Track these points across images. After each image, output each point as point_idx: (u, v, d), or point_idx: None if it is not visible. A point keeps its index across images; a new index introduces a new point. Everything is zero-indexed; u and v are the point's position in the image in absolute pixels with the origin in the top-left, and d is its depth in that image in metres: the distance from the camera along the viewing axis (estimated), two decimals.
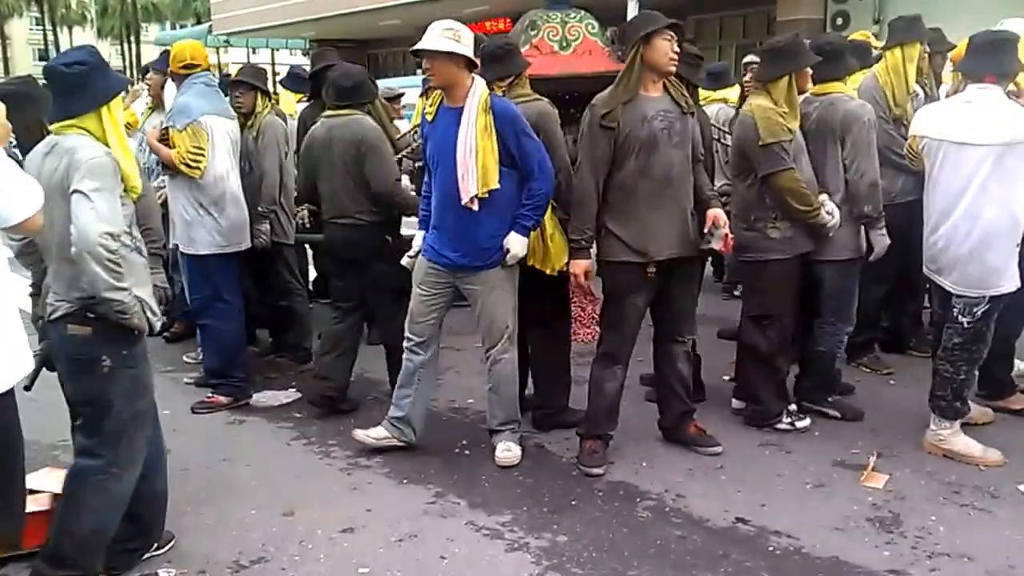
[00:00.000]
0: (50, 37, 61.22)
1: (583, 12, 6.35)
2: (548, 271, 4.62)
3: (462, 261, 4.40)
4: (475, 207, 4.27)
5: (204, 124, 5.22)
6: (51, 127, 3.36)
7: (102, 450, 3.35)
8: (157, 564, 3.66)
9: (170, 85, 6.06)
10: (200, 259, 5.37)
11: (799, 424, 4.88)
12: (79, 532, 3.33)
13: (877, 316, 6.00)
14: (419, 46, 4.25)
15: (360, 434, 4.74)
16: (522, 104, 4.53)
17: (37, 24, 64.24)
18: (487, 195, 4.26)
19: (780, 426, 4.88)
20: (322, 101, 5.71)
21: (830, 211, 4.68)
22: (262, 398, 5.61)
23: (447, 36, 4.22)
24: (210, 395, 5.53)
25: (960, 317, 4.36)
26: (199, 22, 41.33)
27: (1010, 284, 4.30)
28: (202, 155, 5.19)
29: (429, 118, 4.39)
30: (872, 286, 5.55)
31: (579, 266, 4.37)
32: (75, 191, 3.11)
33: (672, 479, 4.35)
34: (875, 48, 6.51)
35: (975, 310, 4.32)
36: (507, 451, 4.58)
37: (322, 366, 5.39)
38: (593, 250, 4.42)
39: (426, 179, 4.59)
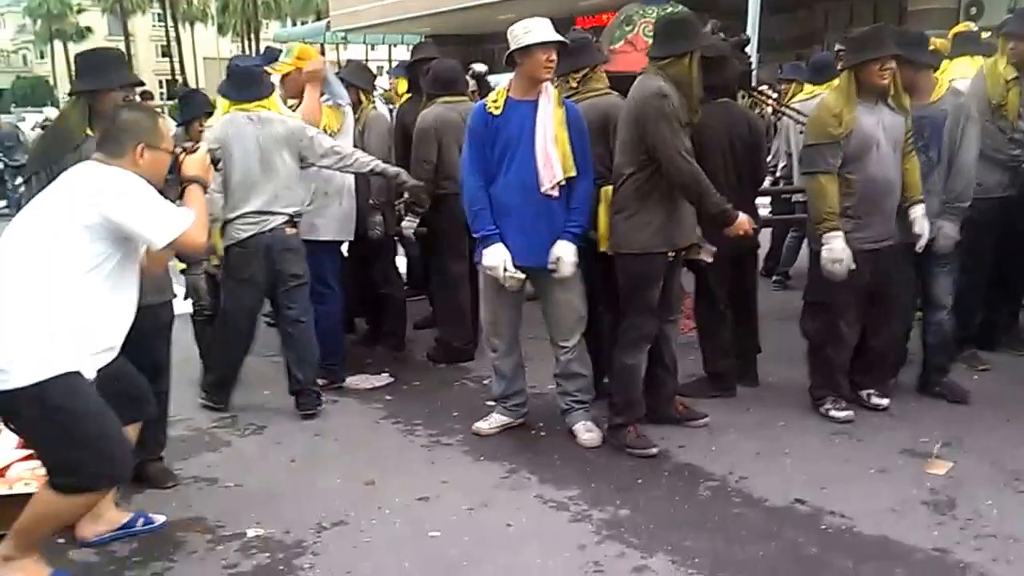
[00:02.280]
0: (171, 34, 63.84)
1: (681, 7, 6.63)
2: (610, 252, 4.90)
3: (543, 261, 4.73)
4: (556, 194, 4.66)
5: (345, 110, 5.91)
6: (241, 106, 5.22)
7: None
8: (246, 523, 4.14)
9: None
10: (317, 245, 5.80)
11: (835, 414, 5.14)
12: None
13: (974, 313, 6.13)
14: (550, 38, 4.62)
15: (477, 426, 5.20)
16: (593, 97, 4.90)
17: (159, 21, 67.12)
18: (564, 184, 4.65)
19: (822, 411, 5.18)
20: (420, 95, 6.21)
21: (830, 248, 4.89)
22: (356, 381, 6.10)
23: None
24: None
25: None
26: (319, 18, 42.66)
27: None
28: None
29: (497, 111, 4.73)
30: (971, 283, 5.75)
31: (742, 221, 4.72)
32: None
33: (738, 462, 4.66)
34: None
35: None
36: (590, 432, 4.97)
37: None
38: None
39: (479, 177, 4.80)
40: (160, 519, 4.12)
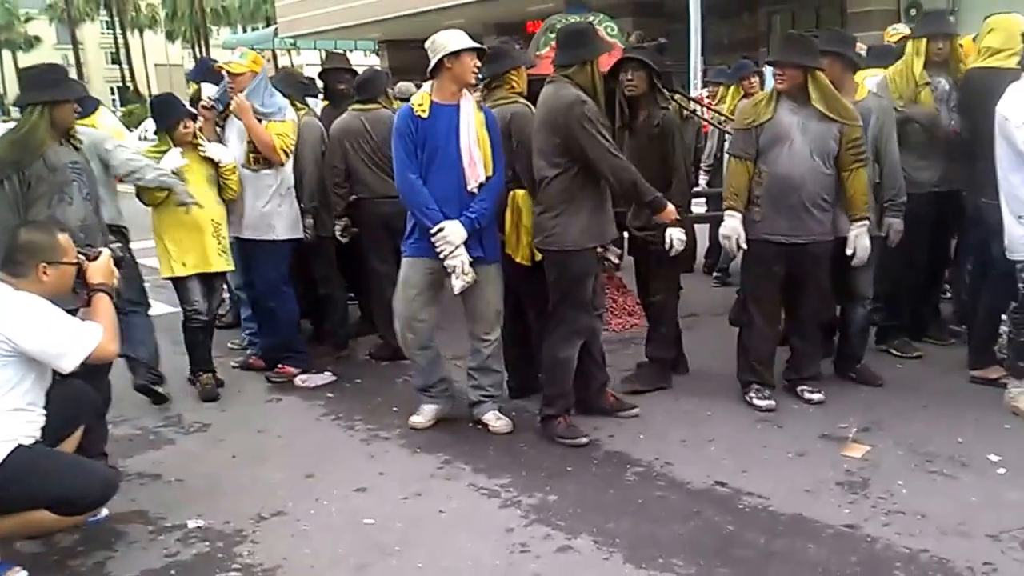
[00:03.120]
0: (120, 41, 63.44)
1: (602, 15, 6.92)
2: (519, 259, 5.17)
3: (474, 252, 4.96)
4: (478, 192, 4.92)
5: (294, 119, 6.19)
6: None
7: None
8: (187, 515, 4.30)
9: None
10: (275, 245, 6.14)
11: (757, 402, 5.40)
12: None
13: (905, 304, 6.41)
14: (472, 45, 4.91)
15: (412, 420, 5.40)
16: (501, 105, 5.18)
17: (108, 28, 66.62)
18: (484, 182, 4.92)
19: (747, 399, 5.47)
20: (334, 102, 6.80)
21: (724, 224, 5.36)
22: (299, 379, 6.27)
23: None
24: (281, 366, 6.34)
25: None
26: (268, 24, 42.63)
27: None
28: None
29: (424, 114, 4.95)
30: (904, 273, 6.11)
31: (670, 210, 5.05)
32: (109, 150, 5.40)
33: (664, 449, 4.88)
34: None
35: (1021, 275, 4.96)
36: (500, 419, 5.24)
37: None
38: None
39: (414, 176, 4.99)
40: (103, 512, 4.25)
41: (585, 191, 4.87)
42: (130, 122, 26.21)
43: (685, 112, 8.03)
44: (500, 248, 5.15)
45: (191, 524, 4.23)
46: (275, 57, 41.66)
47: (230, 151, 5.96)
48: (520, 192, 5.09)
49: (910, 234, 5.70)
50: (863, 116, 5.36)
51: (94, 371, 4.14)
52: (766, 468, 4.59)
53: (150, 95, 55.82)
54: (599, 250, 5.14)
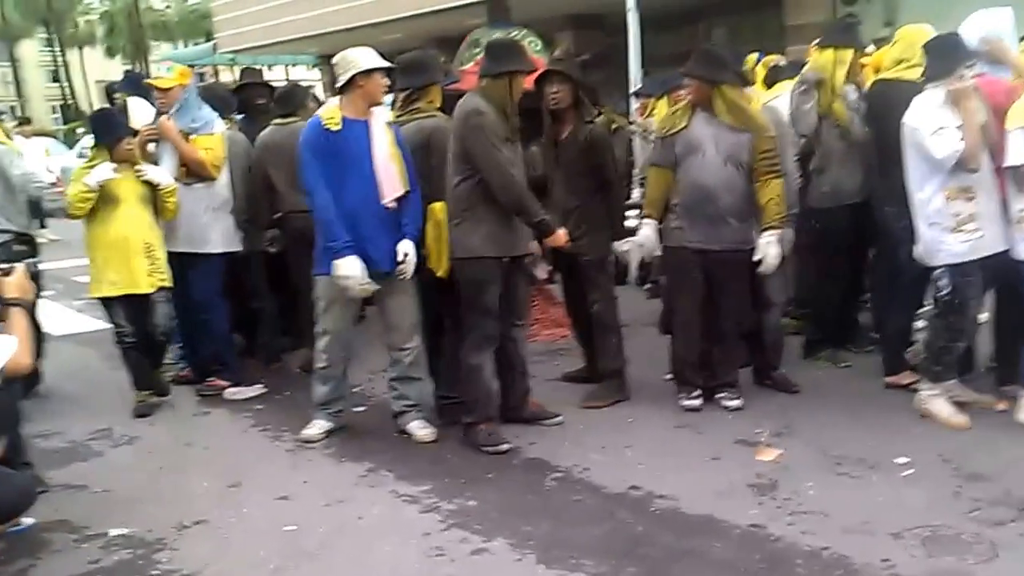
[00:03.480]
0: (59, 59, 62.69)
1: (525, 30, 7.09)
2: (440, 273, 5.24)
3: (387, 265, 5.11)
4: (395, 206, 5.05)
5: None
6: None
7: None
8: (111, 524, 4.35)
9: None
10: (211, 258, 6.22)
11: (684, 403, 5.62)
12: None
13: (831, 313, 6.60)
14: (383, 64, 5.05)
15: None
16: (420, 119, 5.29)
17: (47, 46, 65.74)
18: (401, 197, 5.06)
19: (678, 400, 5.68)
20: (250, 117, 6.93)
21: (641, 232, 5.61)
22: (229, 392, 6.32)
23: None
24: (211, 379, 6.40)
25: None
26: (208, 39, 42.41)
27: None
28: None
29: (336, 128, 5.05)
30: (828, 284, 6.30)
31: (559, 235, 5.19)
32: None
33: (584, 455, 5.00)
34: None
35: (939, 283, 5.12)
36: (424, 428, 5.34)
37: None
38: None
39: (325, 189, 5.08)
40: (28, 522, 4.31)
41: (490, 200, 4.99)
42: (73, 140, 25.96)
43: (614, 126, 8.23)
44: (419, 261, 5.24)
45: (114, 532, 4.29)
46: (216, 73, 41.50)
47: (169, 173, 5.98)
48: (438, 205, 5.18)
49: (833, 245, 5.92)
50: None
51: (9, 382, 4.19)
52: (680, 472, 4.73)
53: (91, 111, 55.21)
54: (528, 260, 5.28)
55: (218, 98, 6.76)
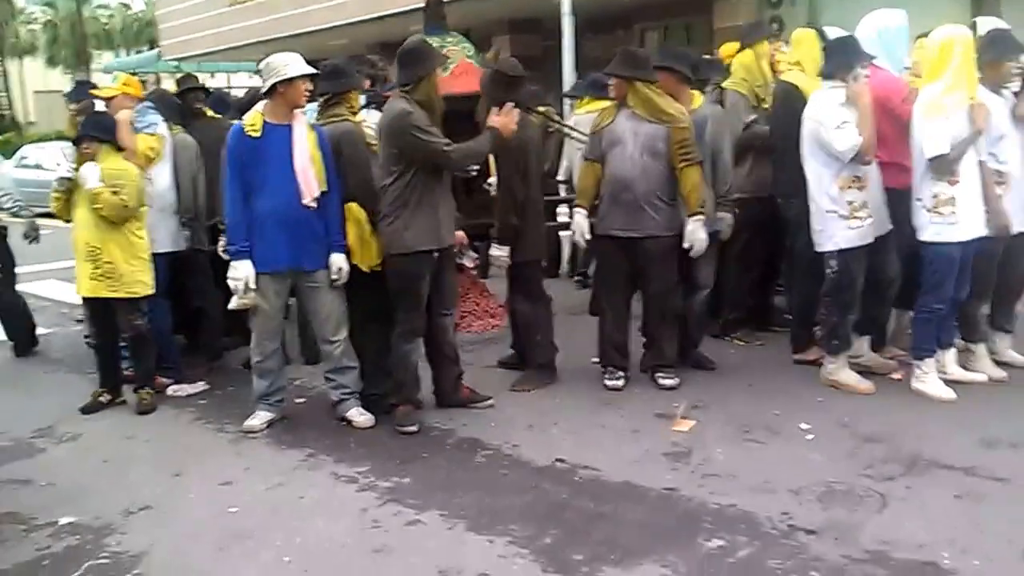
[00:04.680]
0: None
1: (460, 36, 7.31)
2: (366, 268, 5.46)
3: (311, 263, 5.34)
4: (315, 205, 5.26)
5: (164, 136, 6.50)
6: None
7: None
8: (58, 515, 4.51)
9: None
10: (155, 258, 6.27)
11: (607, 382, 5.94)
12: None
13: (747, 296, 6.93)
14: (306, 71, 5.25)
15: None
16: (332, 124, 5.49)
17: None
18: (319, 196, 5.27)
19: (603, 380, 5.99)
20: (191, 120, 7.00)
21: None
22: (173, 389, 6.48)
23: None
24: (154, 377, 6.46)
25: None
26: (152, 47, 42.11)
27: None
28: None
29: (256, 134, 5.25)
30: (746, 271, 6.67)
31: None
32: None
33: (513, 434, 5.26)
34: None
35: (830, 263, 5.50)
36: (363, 415, 5.55)
37: None
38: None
39: (238, 193, 5.30)
40: None
41: (417, 196, 5.21)
42: (6, 150, 25.59)
43: (549, 127, 8.47)
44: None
45: (62, 521, 4.45)
46: (158, 80, 41.19)
47: (95, 175, 5.95)
48: (353, 205, 5.40)
49: (755, 232, 6.27)
50: (698, 124, 5.85)
51: None
52: (602, 445, 5.01)
53: (26, 123, 54.55)
54: (456, 251, 5.54)
55: (167, 105, 6.93)
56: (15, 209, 7.57)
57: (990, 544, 3.72)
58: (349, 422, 5.56)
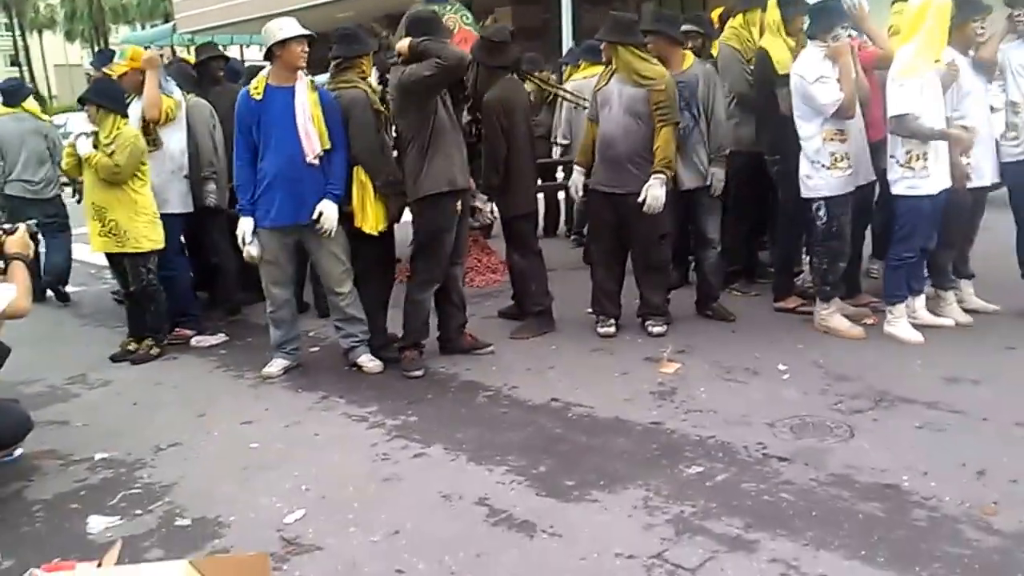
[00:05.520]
0: (20, 43, 61.79)
1: (458, 4, 7.47)
2: (369, 230, 5.62)
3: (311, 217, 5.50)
4: (317, 163, 5.44)
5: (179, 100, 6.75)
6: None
7: None
8: (93, 451, 4.75)
9: None
10: (169, 218, 6.50)
11: (599, 329, 6.15)
12: None
13: (740, 251, 7.12)
14: (299, 32, 5.38)
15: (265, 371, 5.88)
16: (342, 89, 5.64)
17: (6, 30, 64.74)
18: (322, 155, 5.45)
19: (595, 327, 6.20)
20: (211, 85, 7.28)
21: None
22: (195, 340, 6.71)
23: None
24: (177, 329, 6.75)
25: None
26: (167, 21, 42.09)
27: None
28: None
29: (259, 97, 5.43)
30: (739, 224, 6.82)
31: None
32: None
33: (511, 376, 5.48)
34: None
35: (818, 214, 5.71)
36: (372, 361, 5.78)
37: None
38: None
39: (244, 155, 5.53)
40: (18, 451, 4.69)
41: (434, 146, 5.42)
42: None
43: (546, 92, 8.64)
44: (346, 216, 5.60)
45: (97, 456, 4.68)
46: (173, 52, 41.18)
47: (87, 143, 6.05)
48: (359, 168, 5.57)
49: (742, 184, 6.45)
50: (690, 82, 6.05)
51: None
52: (594, 385, 5.23)
53: (49, 95, 54.61)
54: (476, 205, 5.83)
55: (184, 75, 7.17)
56: None
57: (946, 468, 3.93)
58: (360, 368, 5.77)
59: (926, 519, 3.53)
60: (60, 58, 62.20)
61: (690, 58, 6.27)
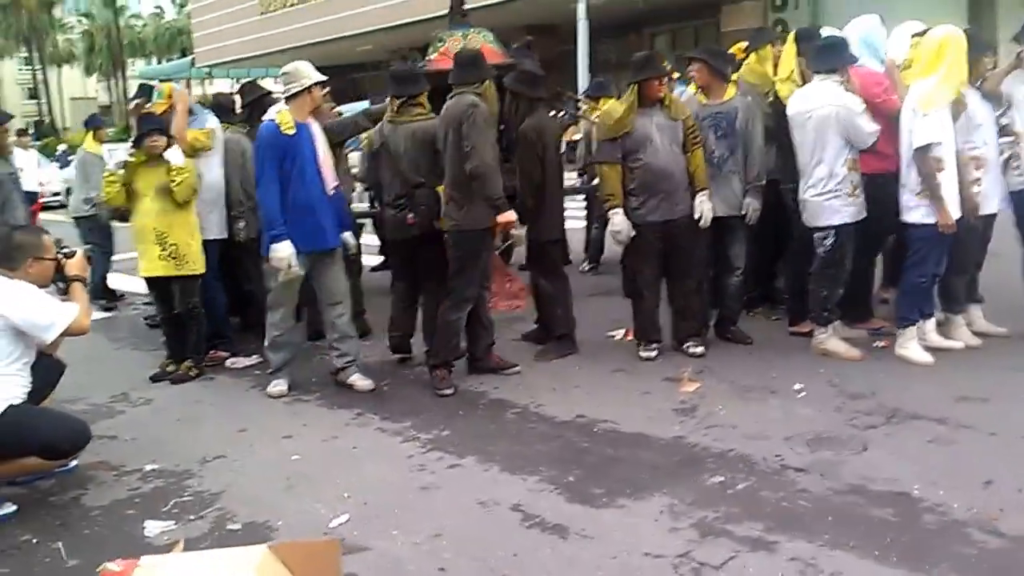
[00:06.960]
0: (39, 76, 62.66)
1: (481, 28, 7.90)
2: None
3: (334, 242, 5.96)
4: (333, 193, 5.91)
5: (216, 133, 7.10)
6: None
7: None
8: (143, 462, 5.02)
9: None
10: (207, 244, 6.81)
11: (642, 354, 6.35)
12: None
13: (762, 277, 7.35)
14: (322, 77, 5.81)
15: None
16: (420, 121, 6.06)
17: (26, 64, 65.69)
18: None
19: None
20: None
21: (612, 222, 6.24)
22: (230, 362, 6.99)
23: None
24: (213, 351, 7.04)
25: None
26: (183, 55, 42.78)
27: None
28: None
29: (292, 132, 5.73)
30: (765, 249, 7.03)
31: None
32: None
33: (538, 394, 5.74)
34: None
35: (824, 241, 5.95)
36: (364, 380, 6.11)
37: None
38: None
39: (274, 185, 5.74)
40: (73, 463, 4.95)
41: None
42: (46, 152, 26.71)
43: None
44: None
45: (148, 467, 4.95)
46: (188, 85, 41.83)
47: (179, 154, 6.46)
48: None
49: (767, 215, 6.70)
50: (729, 113, 6.34)
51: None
52: (618, 403, 5.47)
53: (63, 128, 55.36)
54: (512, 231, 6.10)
55: (221, 107, 7.55)
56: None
57: (955, 478, 4.17)
58: (351, 387, 6.08)
59: (936, 523, 3.77)
60: (78, 91, 63.01)
61: (732, 90, 6.50)
